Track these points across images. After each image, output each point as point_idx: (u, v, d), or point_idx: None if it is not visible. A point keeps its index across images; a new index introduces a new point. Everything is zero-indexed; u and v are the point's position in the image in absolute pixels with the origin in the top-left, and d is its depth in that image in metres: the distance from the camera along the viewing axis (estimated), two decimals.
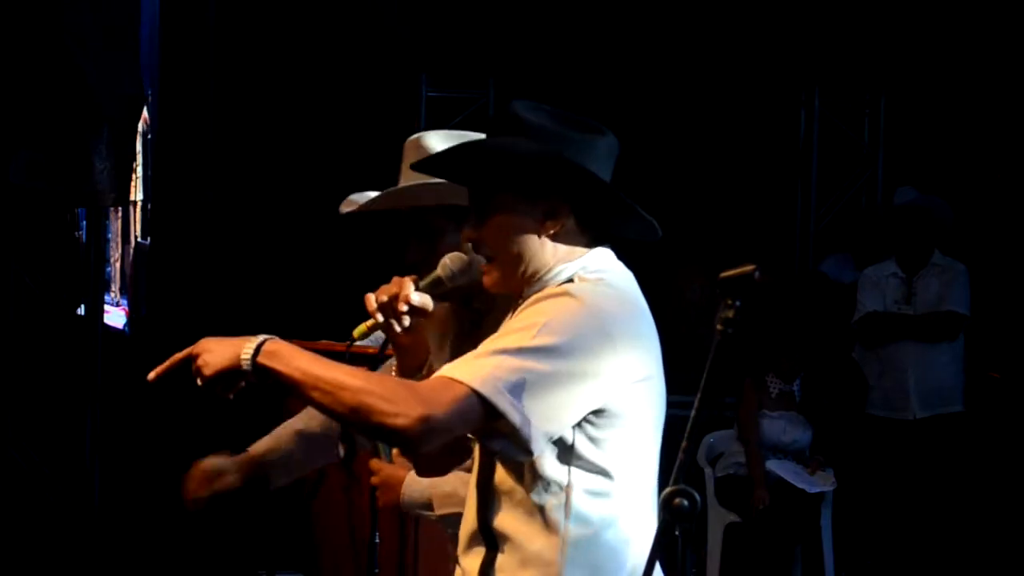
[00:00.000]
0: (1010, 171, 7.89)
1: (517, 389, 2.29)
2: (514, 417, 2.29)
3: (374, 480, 3.03)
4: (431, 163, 2.63)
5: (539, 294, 2.44)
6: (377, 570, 3.18)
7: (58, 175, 5.87)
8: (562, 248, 2.50)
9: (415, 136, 3.05)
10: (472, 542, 2.50)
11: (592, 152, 2.49)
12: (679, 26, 7.97)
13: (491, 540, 2.45)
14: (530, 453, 2.33)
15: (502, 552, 2.44)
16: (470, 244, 2.56)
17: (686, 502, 2.10)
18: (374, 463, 3.03)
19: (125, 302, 7.18)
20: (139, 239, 7.22)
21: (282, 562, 6.16)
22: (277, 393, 2.34)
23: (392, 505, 3.03)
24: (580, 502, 2.39)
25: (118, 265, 7.28)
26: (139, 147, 6.98)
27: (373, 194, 3.05)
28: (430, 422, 2.27)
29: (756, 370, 6.72)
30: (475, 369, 2.31)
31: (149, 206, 7.23)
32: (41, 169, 5.85)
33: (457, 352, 3.00)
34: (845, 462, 6.78)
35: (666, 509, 2.10)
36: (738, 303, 2.13)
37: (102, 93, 5.86)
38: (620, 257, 2.63)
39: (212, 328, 3.12)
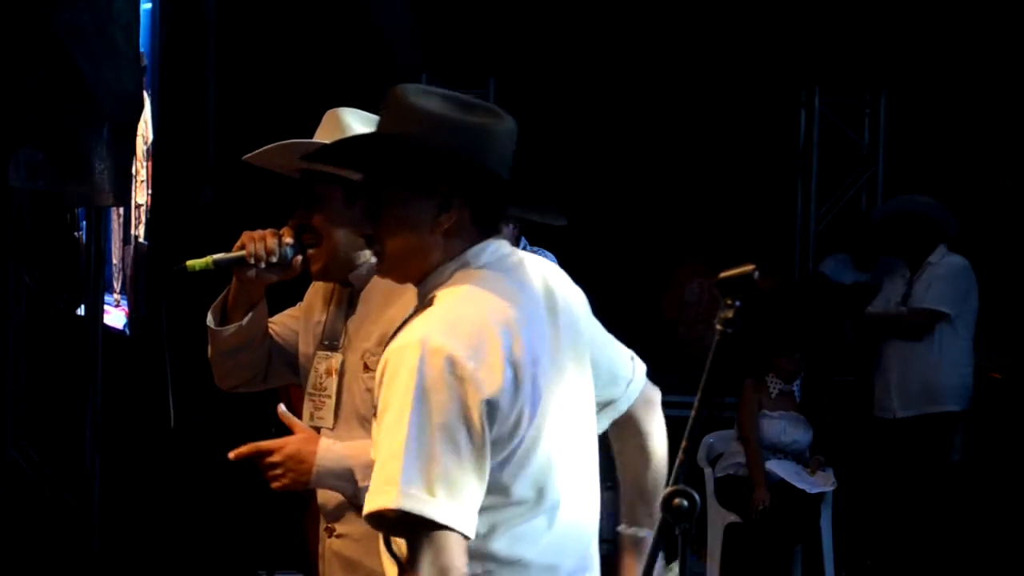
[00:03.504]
0: (1010, 173, 7.89)
1: (436, 487, 2.23)
2: (448, 520, 2.23)
3: (276, 458, 2.81)
4: (325, 154, 2.57)
5: (391, 349, 2.34)
6: None
7: (58, 175, 5.86)
8: (452, 244, 2.42)
9: (333, 110, 3.05)
10: (386, 557, 2.45)
11: (487, 139, 2.40)
12: (679, 26, 7.97)
13: (398, 559, 2.39)
14: (469, 537, 2.27)
15: (404, 572, 2.36)
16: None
17: (686, 502, 2.09)
18: (275, 442, 2.84)
19: (125, 302, 7.18)
20: (140, 240, 7.22)
21: (282, 562, 6.17)
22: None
23: (300, 486, 2.84)
24: None
25: (119, 265, 7.28)
26: (142, 149, 6.98)
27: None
28: None
29: (756, 370, 6.72)
30: (388, 483, 2.23)
31: (150, 207, 7.22)
32: (41, 169, 5.85)
33: (331, 325, 3.03)
34: (845, 462, 6.78)
35: (666, 509, 2.10)
36: (738, 303, 2.13)
37: (102, 93, 5.85)
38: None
39: (205, 329, 3.13)
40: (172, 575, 6.70)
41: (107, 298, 6.71)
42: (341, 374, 2.99)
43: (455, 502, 2.24)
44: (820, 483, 6.55)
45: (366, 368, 2.92)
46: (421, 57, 7.72)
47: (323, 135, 3.01)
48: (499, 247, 2.46)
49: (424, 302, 2.42)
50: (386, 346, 2.42)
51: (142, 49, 6.51)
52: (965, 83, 7.95)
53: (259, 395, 3.37)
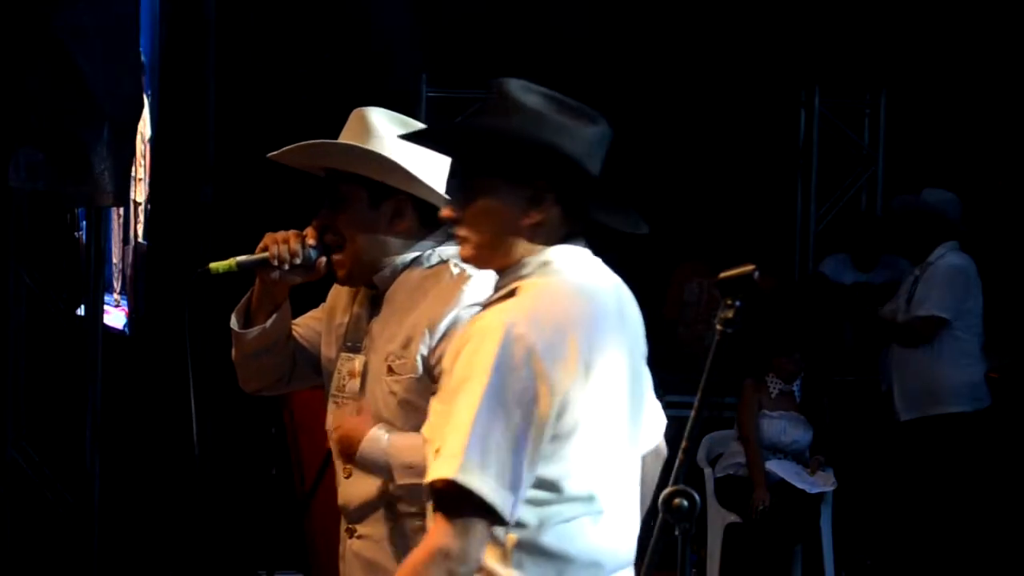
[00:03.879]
0: (1010, 173, 7.89)
1: (488, 462, 2.29)
2: (495, 501, 2.29)
3: (335, 434, 2.93)
4: (420, 137, 2.64)
5: (470, 329, 2.41)
6: None
7: (58, 175, 5.86)
8: (538, 239, 2.47)
9: (359, 109, 3.04)
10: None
11: (582, 140, 2.46)
12: (679, 26, 7.97)
13: None
14: (508, 523, 2.33)
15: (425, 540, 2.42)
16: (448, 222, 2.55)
17: (686, 502, 2.10)
18: (338, 417, 2.95)
19: (125, 302, 7.17)
20: (139, 239, 7.22)
21: (282, 562, 6.16)
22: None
23: (347, 456, 2.94)
24: (521, 512, 2.37)
25: (119, 265, 7.28)
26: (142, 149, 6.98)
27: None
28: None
29: (756, 370, 6.72)
30: (452, 456, 2.30)
31: (149, 207, 7.22)
32: (41, 169, 5.85)
33: (354, 327, 3.03)
34: (845, 462, 6.78)
35: (666, 509, 2.11)
36: (738, 303, 2.13)
37: (102, 93, 5.85)
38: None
39: (208, 330, 3.13)
40: (172, 575, 6.70)
41: (107, 298, 6.71)
42: (364, 376, 2.98)
43: (504, 486, 2.29)
44: (820, 483, 6.55)
45: (390, 371, 2.92)
46: (421, 57, 7.72)
47: (349, 135, 3.00)
48: (582, 250, 2.52)
49: (505, 291, 2.47)
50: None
51: (142, 49, 6.50)
52: (965, 83, 7.95)
53: (259, 396, 3.37)
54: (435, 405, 2.43)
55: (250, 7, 7.46)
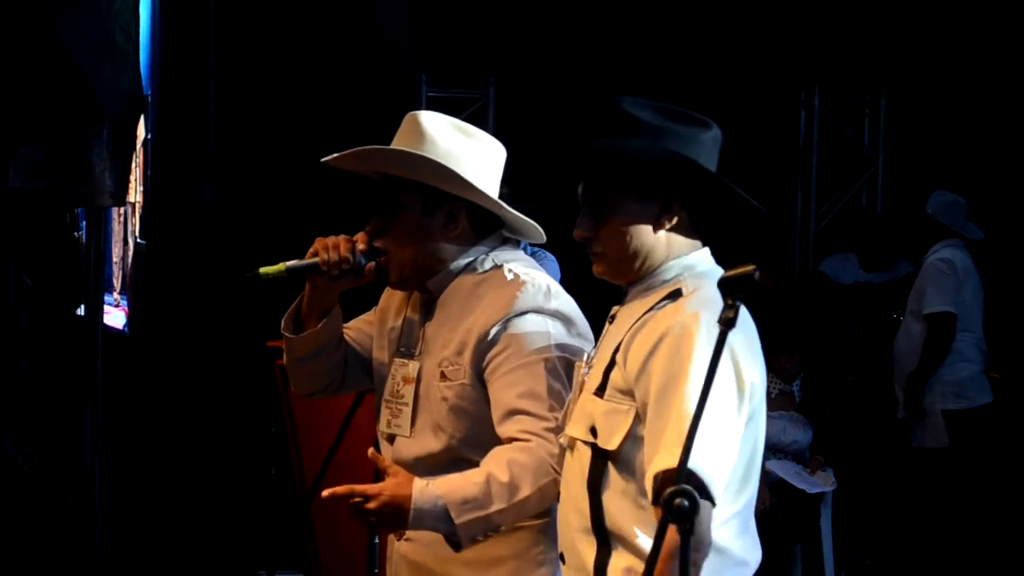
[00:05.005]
0: (1010, 173, 7.89)
1: (712, 455, 2.35)
2: (715, 488, 2.35)
3: (372, 506, 2.71)
4: (538, 160, 2.71)
5: (660, 327, 2.46)
6: (376, 570, 3.18)
7: (58, 175, 5.86)
8: (675, 244, 2.57)
9: (412, 113, 3.02)
10: (583, 538, 2.55)
11: (698, 145, 2.54)
12: (679, 26, 7.97)
13: (604, 539, 2.51)
14: (715, 503, 2.37)
15: (615, 551, 2.50)
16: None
17: (686, 502, 2.10)
18: (371, 488, 2.72)
19: (125, 302, 7.18)
20: (137, 239, 7.22)
21: (282, 562, 6.17)
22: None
23: (398, 529, 2.79)
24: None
25: (119, 264, 7.29)
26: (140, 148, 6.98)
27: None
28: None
29: None
30: (678, 445, 2.32)
31: (146, 206, 7.22)
32: (41, 169, 5.85)
33: (407, 331, 3.02)
34: (845, 462, 6.78)
35: (667, 509, 2.11)
36: (738, 303, 2.13)
37: (102, 93, 5.85)
38: None
39: (207, 329, 3.13)
40: (172, 575, 6.71)
41: (107, 298, 6.71)
42: (418, 382, 2.97)
43: (722, 473, 2.36)
44: (820, 483, 6.55)
45: (443, 376, 2.92)
46: (421, 57, 7.72)
47: (402, 140, 2.98)
48: (710, 255, 2.61)
49: (665, 293, 2.53)
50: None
51: (142, 49, 6.50)
52: (965, 83, 7.95)
53: (260, 398, 3.37)
54: (596, 404, 2.50)
55: (250, 7, 7.46)
